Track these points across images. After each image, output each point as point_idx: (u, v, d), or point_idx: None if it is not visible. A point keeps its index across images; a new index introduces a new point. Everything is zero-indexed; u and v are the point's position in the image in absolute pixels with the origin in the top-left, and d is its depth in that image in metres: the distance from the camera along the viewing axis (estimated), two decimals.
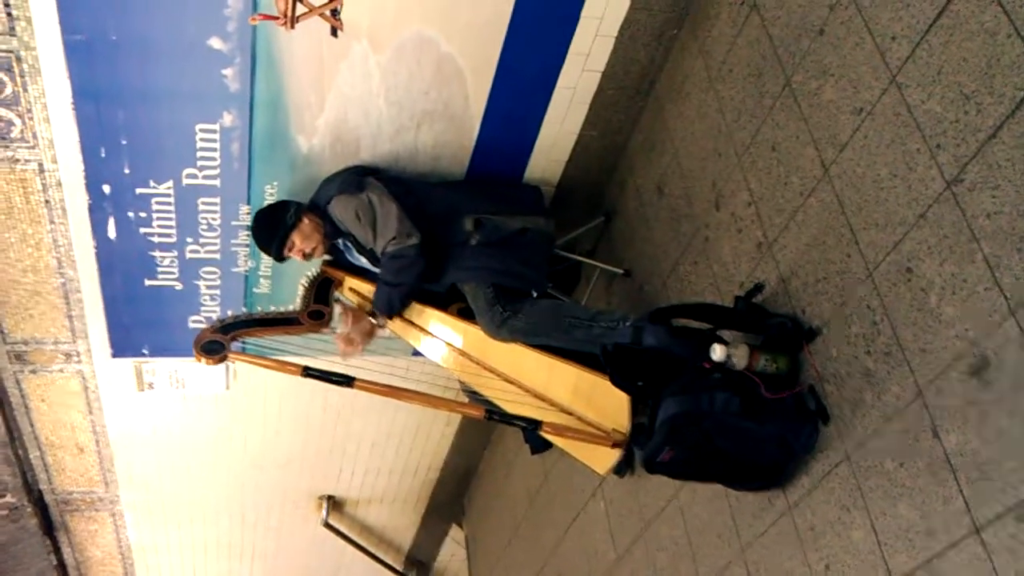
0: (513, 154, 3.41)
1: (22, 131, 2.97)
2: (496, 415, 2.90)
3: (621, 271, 3.36)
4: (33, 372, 3.94)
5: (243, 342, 3.27)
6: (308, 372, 2.88)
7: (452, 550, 6.03)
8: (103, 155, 3.08)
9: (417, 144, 3.28)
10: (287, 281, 3.67)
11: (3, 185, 3.12)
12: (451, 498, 5.72)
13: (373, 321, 3.20)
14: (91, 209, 3.26)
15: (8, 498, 4.51)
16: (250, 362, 2.96)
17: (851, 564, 2.13)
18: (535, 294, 3.15)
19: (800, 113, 2.39)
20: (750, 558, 2.51)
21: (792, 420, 2.23)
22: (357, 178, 3.17)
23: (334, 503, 5.44)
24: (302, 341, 3.18)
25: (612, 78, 3.19)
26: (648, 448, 2.25)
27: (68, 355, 3.89)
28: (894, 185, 2.05)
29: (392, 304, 3.16)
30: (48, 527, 4.90)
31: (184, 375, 4.14)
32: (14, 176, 3.11)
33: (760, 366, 2.29)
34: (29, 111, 2.90)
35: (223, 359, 2.95)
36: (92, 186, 3.18)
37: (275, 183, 3.31)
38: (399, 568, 6.16)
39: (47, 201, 3.22)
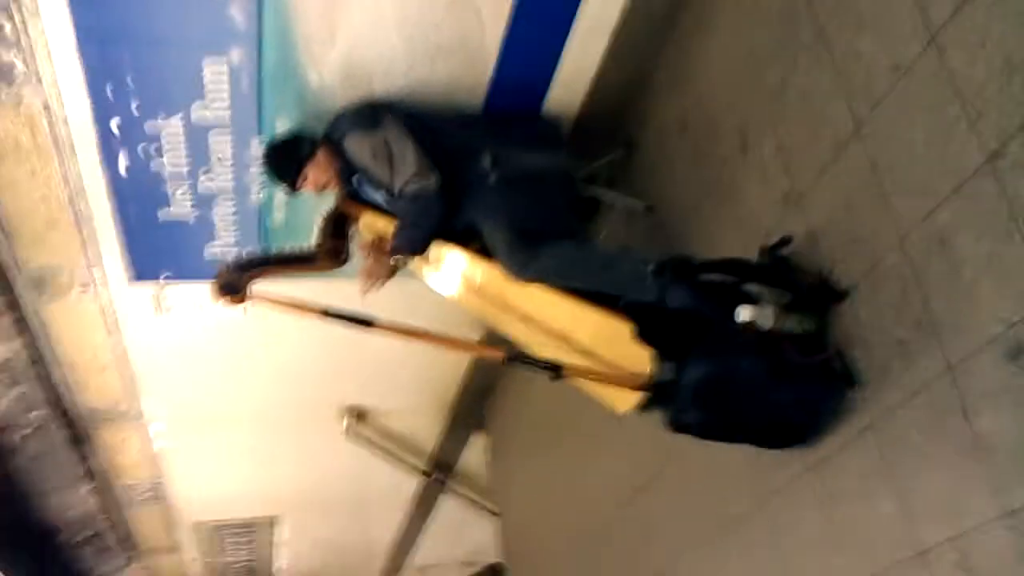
0: (531, 88, 3.29)
1: (25, 71, 2.87)
2: (516, 358, 2.88)
3: (644, 206, 3.28)
4: (51, 299, 3.95)
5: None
6: (328, 313, 2.87)
7: (474, 454, 6.13)
8: (110, 93, 2.99)
9: (432, 78, 3.17)
10: (302, 211, 3.62)
11: (9, 125, 3.04)
12: (473, 407, 5.78)
13: (394, 259, 3.14)
14: (100, 145, 3.19)
15: (36, 413, 4.59)
16: (269, 303, 2.94)
17: (872, 530, 2.14)
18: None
19: (833, 64, 2.27)
20: (768, 509, 2.54)
21: (819, 383, 2.21)
22: (371, 112, 3.07)
23: (357, 414, 5.51)
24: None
25: (635, 9, 3.04)
26: (673, 410, 2.24)
27: (85, 283, 3.88)
28: (929, 153, 1.96)
29: (415, 245, 3.09)
30: (76, 439, 5.01)
31: (202, 299, 4.13)
32: (19, 115, 3.03)
33: (788, 326, 2.25)
34: (31, 51, 2.80)
35: (242, 299, 2.95)
36: (100, 123, 3.11)
37: (287, 117, 3.22)
38: (424, 469, 6.29)
39: (55, 138, 3.15)
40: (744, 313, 2.22)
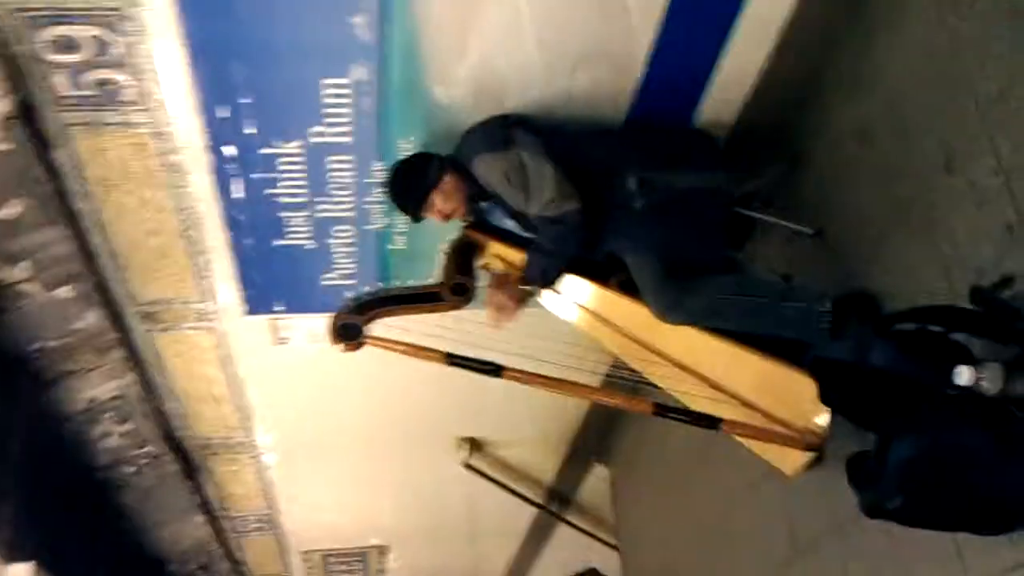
0: (682, 95, 2.92)
1: (134, 95, 2.67)
2: (665, 411, 2.52)
3: (811, 232, 2.86)
4: (164, 331, 3.78)
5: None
6: (452, 360, 2.58)
7: (595, 486, 5.77)
8: (223, 116, 2.77)
9: (571, 90, 2.84)
10: (424, 236, 3.33)
11: (118, 151, 2.86)
12: (596, 438, 5.42)
13: (526, 289, 2.83)
14: (214, 171, 2.98)
15: (148, 448, 4.45)
16: (389, 347, 2.66)
17: None
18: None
19: None
20: None
21: None
22: (503, 131, 2.76)
23: (473, 443, 5.24)
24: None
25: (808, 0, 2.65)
26: (874, 496, 1.83)
27: (200, 314, 3.70)
28: None
29: (548, 274, 2.79)
30: (189, 471, 4.87)
31: (319, 330, 3.90)
32: (127, 140, 2.84)
33: (1019, 390, 1.82)
34: (140, 72, 2.60)
35: (360, 345, 2.68)
36: (213, 148, 2.90)
37: (411, 138, 2.94)
38: (539, 501, 5.98)
39: (166, 165, 2.95)
40: (965, 375, 1.80)
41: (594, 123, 2.94)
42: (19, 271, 3.08)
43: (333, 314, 2.74)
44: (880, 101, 2.55)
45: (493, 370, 2.57)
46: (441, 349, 2.60)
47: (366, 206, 3.20)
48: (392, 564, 7.07)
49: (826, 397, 2.12)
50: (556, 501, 6.06)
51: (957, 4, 2.23)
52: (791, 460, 2.53)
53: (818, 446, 2.44)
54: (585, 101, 2.89)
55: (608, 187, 2.71)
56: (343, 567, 7.05)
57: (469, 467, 5.28)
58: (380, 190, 3.10)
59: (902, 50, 2.46)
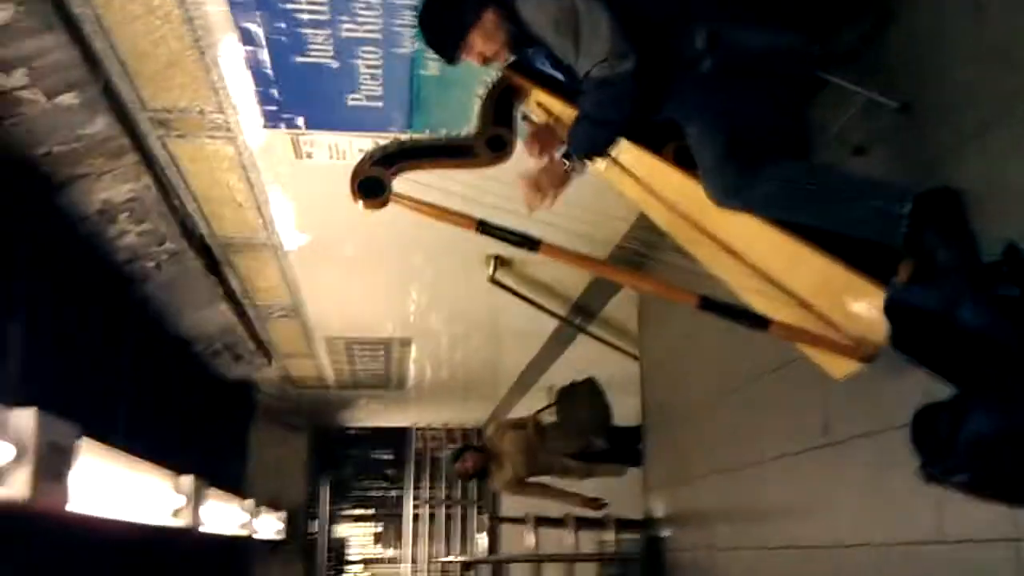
0: None
1: None
2: (712, 306, 2.31)
3: (895, 105, 2.50)
4: (181, 137, 3.56)
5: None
6: (484, 227, 2.35)
7: (622, 304, 5.66)
8: None
9: None
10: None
11: None
12: (634, 258, 5.24)
13: (567, 164, 2.50)
14: None
15: (168, 245, 4.35)
16: (415, 208, 2.41)
17: None
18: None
19: None
20: None
21: None
22: None
23: (501, 261, 5.09)
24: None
25: None
26: (941, 467, 1.65)
27: (216, 124, 3.45)
28: None
29: (596, 144, 2.44)
30: (211, 265, 4.80)
31: (344, 147, 3.66)
32: None
33: None
34: None
35: (384, 203, 2.43)
36: None
37: None
38: (563, 315, 5.93)
39: None
40: None
41: None
42: (15, 79, 2.81)
43: (355, 165, 2.46)
44: None
45: (530, 244, 2.34)
46: (473, 215, 2.36)
47: (395, 28, 2.86)
48: (414, 354, 7.20)
49: (900, 343, 1.88)
50: (580, 315, 5.99)
51: None
52: (841, 365, 2.33)
53: (873, 357, 2.24)
54: None
55: (672, 44, 2.33)
56: (366, 353, 7.19)
57: (495, 282, 5.16)
58: (411, 12, 2.75)
59: None
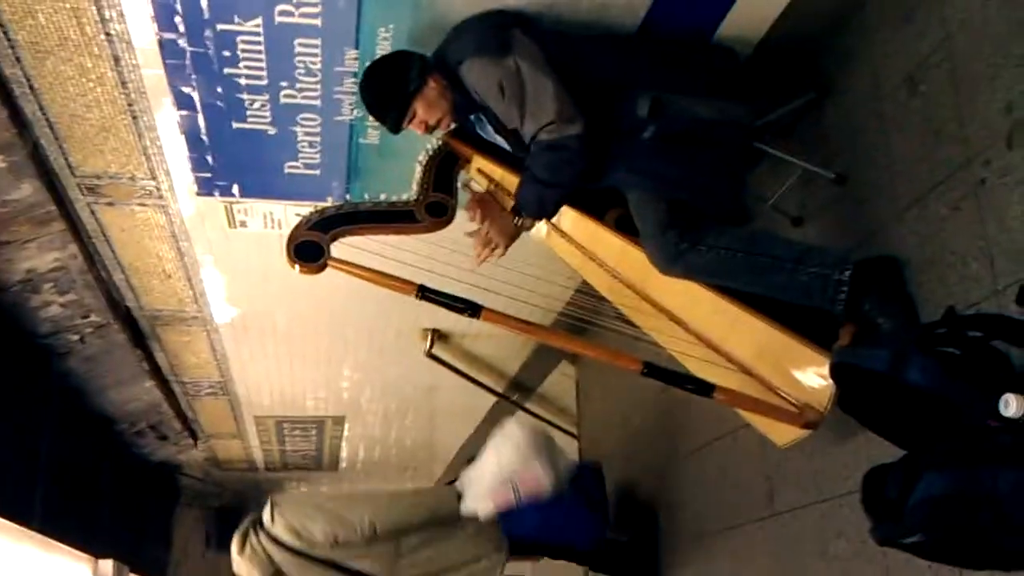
0: (707, 5, 2.55)
1: None
2: (657, 373, 2.29)
3: (832, 175, 2.56)
4: (110, 205, 3.45)
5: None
6: (424, 293, 2.32)
7: (560, 382, 5.63)
8: None
9: None
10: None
11: (51, 14, 2.44)
12: (577, 325, 5.21)
13: (516, 221, 2.49)
14: (161, 44, 2.59)
15: (93, 318, 4.19)
16: (354, 273, 2.37)
17: None
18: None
19: None
20: None
21: None
22: (498, 33, 2.38)
23: (439, 335, 5.03)
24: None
25: None
26: (894, 530, 1.62)
27: (148, 191, 3.36)
28: None
29: (544, 206, 2.44)
30: (138, 339, 4.63)
31: (280, 216, 3.60)
32: (65, 4, 2.43)
33: None
34: None
35: (321, 268, 2.37)
36: (161, 18, 2.49)
37: (391, 26, 2.56)
38: (500, 391, 5.85)
39: (108, 33, 2.55)
40: (1012, 406, 1.56)
41: (604, 29, 2.57)
42: None
43: (291, 229, 2.41)
44: (936, 42, 2.20)
45: (471, 309, 2.31)
46: (414, 281, 2.32)
47: (337, 96, 2.83)
48: (348, 433, 7.02)
49: (847, 405, 1.88)
50: (518, 391, 5.93)
51: None
52: (785, 433, 2.33)
53: (816, 424, 2.23)
54: (595, 4, 2.50)
55: (616, 109, 2.37)
56: (298, 432, 6.99)
57: (432, 356, 5.09)
58: (352, 79, 2.74)
59: None
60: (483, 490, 3.60)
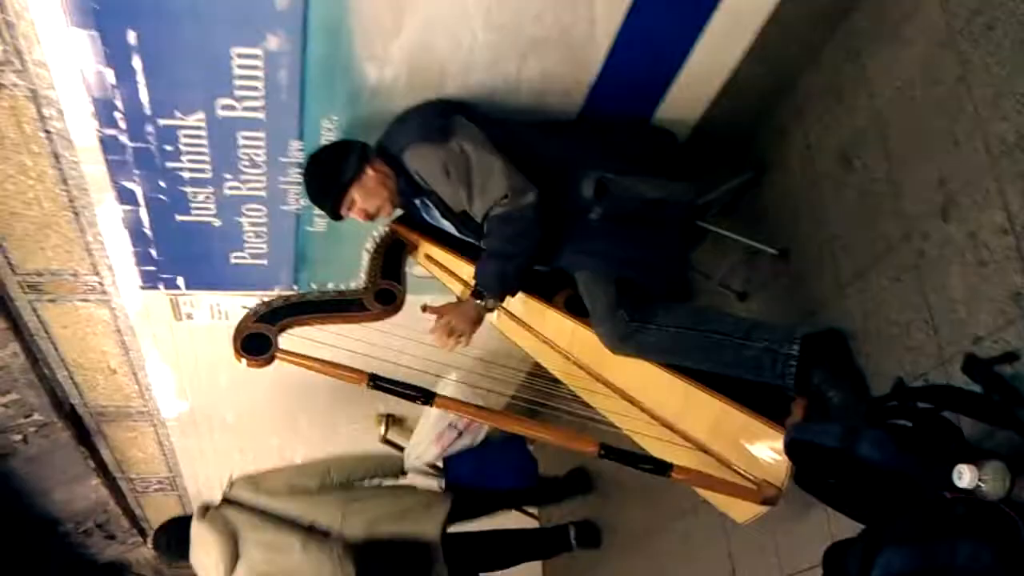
0: (644, 90, 2.61)
1: (5, 52, 2.24)
2: (613, 455, 2.26)
3: (774, 251, 2.60)
4: (52, 302, 3.38)
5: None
6: (376, 382, 2.27)
7: None
8: (112, 81, 2.36)
9: (520, 77, 2.49)
10: (348, 220, 2.98)
11: None
12: (531, 408, 5.18)
13: (479, 304, 2.41)
14: (103, 141, 2.57)
15: (36, 416, 4.07)
16: (303, 365, 2.32)
17: None
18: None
19: None
20: None
21: None
22: (440, 120, 2.41)
23: (393, 419, 4.96)
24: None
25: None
26: None
27: (91, 287, 3.30)
28: None
29: (506, 279, 2.37)
30: (83, 436, 4.50)
31: (227, 307, 3.55)
32: (3, 103, 2.41)
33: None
34: (15, 26, 2.17)
35: (269, 360, 2.33)
36: (102, 115, 2.48)
37: (334, 117, 2.57)
38: None
39: (47, 131, 2.53)
40: (966, 477, 1.56)
41: (543, 113, 2.61)
42: None
43: (238, 321, 2.37)
44: (868, 117, 2.27)
45: (424, 397, 2.27)
46: (365, 371, 2.28)
47: (281, 186, 2.83)
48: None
49: (803, 481, 1.87)
50: None
51: (970, 26, 1.95)
52: (744, 509, 2.30)
53: (775, 500, 2.21)
54: (535, 90, 2.55)
55: (560, 191, 2.38)
56: None
57: (387, 442, 5.00)
58: (296, 169, 2.74)
59: (900, 66, 2.17)
60: (427, 439, 3.86)
